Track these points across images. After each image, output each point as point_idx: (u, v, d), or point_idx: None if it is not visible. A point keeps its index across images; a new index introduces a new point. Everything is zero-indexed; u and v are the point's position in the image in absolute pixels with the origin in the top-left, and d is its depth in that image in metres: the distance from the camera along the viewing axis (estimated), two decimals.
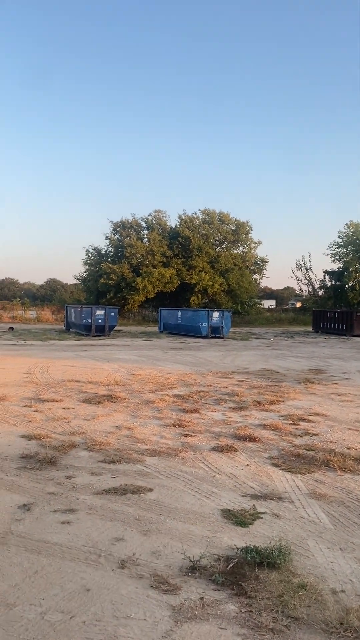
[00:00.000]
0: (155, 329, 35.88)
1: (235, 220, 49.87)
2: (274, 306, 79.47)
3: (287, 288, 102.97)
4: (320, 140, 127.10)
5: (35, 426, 7.48)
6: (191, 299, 45.36)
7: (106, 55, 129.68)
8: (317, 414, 8.64)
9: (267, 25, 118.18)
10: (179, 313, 32.31)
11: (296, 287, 58.79)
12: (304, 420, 8.18)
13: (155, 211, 49.20)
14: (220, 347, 22.79)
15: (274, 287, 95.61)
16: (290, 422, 8.05)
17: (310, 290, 57.59)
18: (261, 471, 5.67)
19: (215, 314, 29.52)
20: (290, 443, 6.81)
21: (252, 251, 50.81)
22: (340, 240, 53.75)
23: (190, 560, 3.60)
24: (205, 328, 29.02)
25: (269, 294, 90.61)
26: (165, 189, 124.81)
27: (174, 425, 7.64)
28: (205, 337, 28.77)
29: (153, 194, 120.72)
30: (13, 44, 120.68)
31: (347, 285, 52.02)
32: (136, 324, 43.08)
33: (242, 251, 50.62)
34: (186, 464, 5.80)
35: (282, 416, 8.49)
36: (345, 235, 53.54)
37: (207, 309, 31.06)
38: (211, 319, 29.19)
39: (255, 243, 50.77)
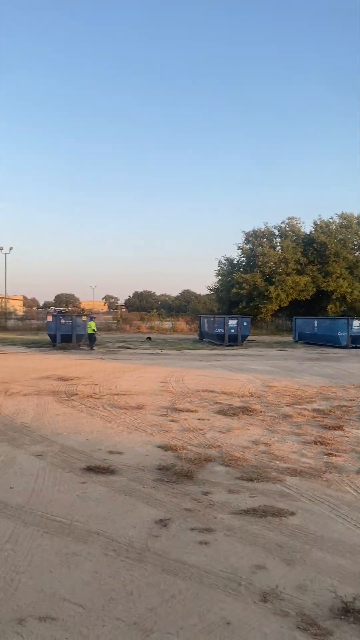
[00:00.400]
0: (289, 338, 34.89)
1: None
2: None
3: None
4: None
5: (171, 436, 7.45)
6: (328, 307, 43.49)
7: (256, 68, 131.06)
8: None
9: None
10: (316, 322, 31.06)
11: None
12: None
13: (289, 218, 48.20)
14: None
15: None
16: None
17: None
18: None
19: (356, 323, 27.84)
20: None
21: None
22: None
23: (343, 602, 3.17)
24: (345, 338, 27.50)
25: None
26: (299, 195, 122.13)
27: (315, 443, 7.12)
28: (345, 347, 27.25)
29: (286, 202, 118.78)
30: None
31: None
32: (269, 333, 42.32)
33: None
34: (331, 486, 5.30)
35: None
36: None
37: (346, 318, 29.43)
38: (351, 328, 27.60)
39: None
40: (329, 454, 6.53)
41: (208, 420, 8.70)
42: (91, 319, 26.73)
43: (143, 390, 11.80)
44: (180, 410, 9.47)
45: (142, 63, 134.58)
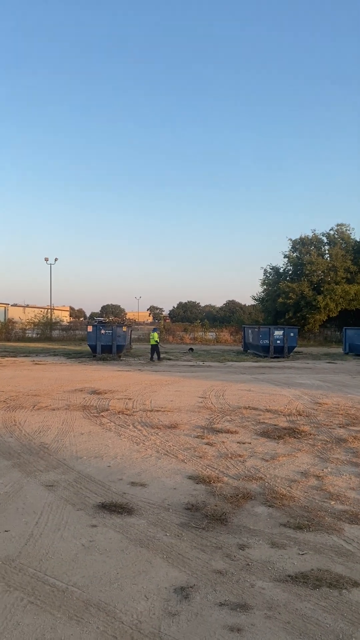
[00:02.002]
0: (339, 350, 33.11)
1: None
2: None
3: None
4: None
5: (206, 464, 6.44)
6: None
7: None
8: None
9: None
10: None
11: None
12: None
13: (337, 225, 46.24)
14: None
15: None
16: None
17: None
18: None
19: None
20: None
21: None
22: None
23: None
24: None
25: None
26: (348, 201, 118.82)
27: None
28: None
29: (335, 208, 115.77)
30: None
31: None
32: (317, 344, 40.53)
33: None
34: None
35: None
36: None
37: None
38: None
39: None
40: None
41: (249, 443, 7.63)
42: (155, 330, 25.97)
43: (179, 406, 10.83)
44: (218, 431, 8.43)
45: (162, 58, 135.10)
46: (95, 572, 3.60)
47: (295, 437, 8.05)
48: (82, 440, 7.66)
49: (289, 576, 3.54)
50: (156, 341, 24.31)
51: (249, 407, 10.91)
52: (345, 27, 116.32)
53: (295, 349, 28.75)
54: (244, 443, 7.66)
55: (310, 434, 8.29)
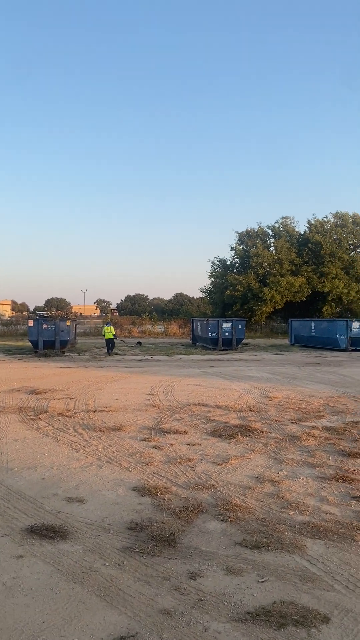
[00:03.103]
0: (285, 341, 33.40)
1: None
2: None
3: None
4: None
5: (152, 472, 5.86)
6: (324, 309, 42.04)
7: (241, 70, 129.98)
8: None
9: None
10: (313, 324, 29.54)
11: None
12: None
13: (283, 218, 46.70)
14: None
15: None
16: None
17: None
18: None
19: (356, 324, 26.34)
20: None
21: None
22: None
23: None
24: (344, 340, 26.00)
25: None
26: (292, 195, 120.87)
27: (336, 479, 5.55)
28: (344, 350, 25.75)
29: (280, 201, 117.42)
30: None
31: None
32: (264, 336, 40.81)
33: None
34: None
35: None
36: None
37: (345, 319, 27.94)
38: (351, 330, 26.09)
39: None
40: (358, 498, 4.95)
41: (199, 445, 7.11)
42: (108, 324, 25.99)
43: (125, 405, 10.20)
44: (166, 432, 7.87)
45: (136, 59, 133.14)
46: (14, 622, 2.95)
47: (247, 436, 7.60)
48: (14, 449, 6.91)
49: (248, 613, 3.01)
50: (114, 335, 24.05)
51: (198, 403, 10.42)
52: None
53: (243, 341, 28.65)
54: (193, 445, 7.13)
55: (263, 432, 7.88)
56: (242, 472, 5.87)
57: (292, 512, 4.60)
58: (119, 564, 3.66)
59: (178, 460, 6.31)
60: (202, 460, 6.37)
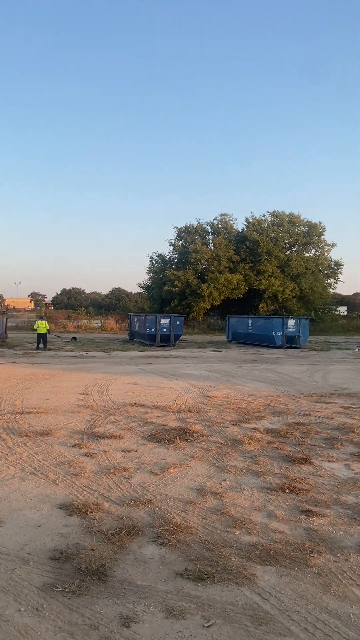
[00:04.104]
0: (223, 337, 33.41)
1: (307, 221, 46.54)
2: (346, 313, 74.79)
3: (358, 294, 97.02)
4: None
5: (83, 485, 5.24)
6: (260, 306, 42.53)
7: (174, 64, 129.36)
8: None
9: None
10: (250, 321, 29.66)
11: None
12: None
13: (221, 215, 46.82)
14: (302, 360, 19.98)
15: (344, 293, 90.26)
16: None
17: None
18: None
19: (291, 322, 26.64)
20: None
21: (326, 254, 47.21)
22: None
23: None
24: (280, 337, 26.24)
25: (340, 300, 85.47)
26: (231, 192, 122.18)
27: (283, 490, 5.16)
28: (280, 347, 25.98)
29: (218, 197, 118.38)
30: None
31: None
32: (202, 332, 40.76)
33: (314, 254, 47.15)
34: (329, 588, 3.30)
35: None
36: None
37: (281, 317, 28.25)
38: (286, 327, 26.37)
39: (329, 245, 47.16)
40: (308, 512, 4.57)
41: (136, 452, 6.55)
42: (41, 318, 25.17)
43: (56, 406, 9.46)
44: (100, 437, 7.25)
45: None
46: None
47: (186, 440, 7.12)
48: None
49: None
50: (47, 330, 23.37)
51: (135, 403, 9.85)
52: None
53: (181, 337, 28.34)
54: (129, 451, 6.56)
55: (203, 435, 7.42)
56: (182, 482, 5.37)
57: (238, 532, 4.13)
58: (37, 609, 3.04)
59: (112, 470, 5.72)
60: (138, 469, 5.82)
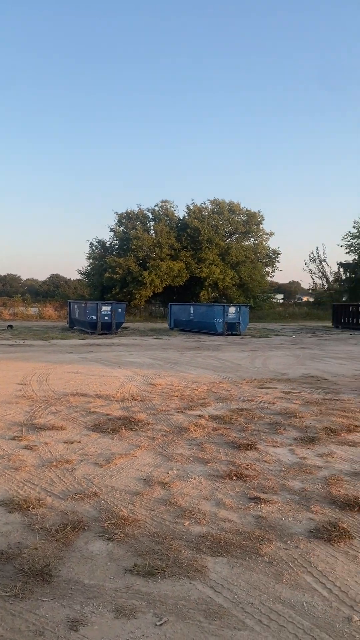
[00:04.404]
0: (164, 325, 33.40)
1: (246, 210, 47.17)
2: (282, 301, 76.89)
3: (293, 282, 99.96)
4: (332, 130, 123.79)
5: (23, 479, 4.99)
6: (201, 294, 42.82)
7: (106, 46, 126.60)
8: None
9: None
10: (192, 308, 29.76)
11: (307, 281, 56.61)
12: None
13: (162, 201, 46.59)
14: (242, 346, 20.26)
15: (281, 282, 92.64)
16: None
17: (325, 283, 55.15)
18: None
19: (232, 309, 26.97)
20: None
21: (264, 243, 48.14)
22: (356, 230, 51.23)
23: None
24: (221, 325, 26.50)
25: (277, 288, 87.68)
26: (172, 178, 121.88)
27: (230, 477, 5.12)
28: (221, 334, 26.25)
29: (159, 183, 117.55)
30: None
31: None
32: (143, 320, 40.59)
33: (253, 243, 47.93)
34: (281, 577, 3.27)
35: None
36: None
37: (222, 304, 28.57)
38: (227, 315, 26.65)
39: (267, 234, 48.10)
40: (256, 499, 4.55)
41: (79, 443, 6.34)
42: None
43: None
44: (40, 428, 6.97)
45: None
46: None
47: (131, 429, 6.98)
48: None
49: None
50: None
51: (77, 393, 9.58)
52: None
53: (123, 325, 28.05)
54: (72, 442, 6.34)
55: (148, 424, 7.30)
56: (128, 473, 5.22)
57: (187, 523, 4.05)
58: None
59: (54, 463, 5.49)
60: (82, 461, 5.62)
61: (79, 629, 2.72)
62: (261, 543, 3.68)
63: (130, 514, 4.18)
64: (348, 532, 3.85)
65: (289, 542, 3.70)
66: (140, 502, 4.45)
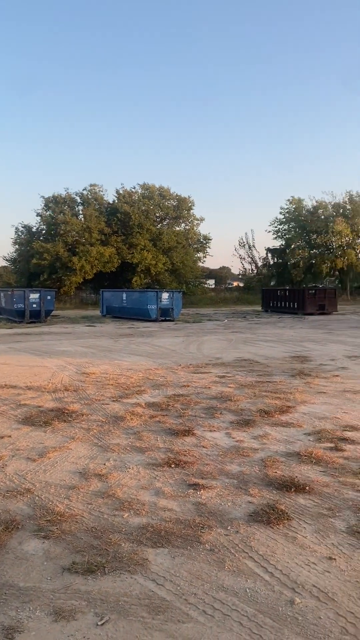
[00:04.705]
0: (96, 312, 32.87)
1: (177, 195, 47.11)
2: (214, 286, 77.99)
3: (223, 268, 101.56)
4: (260, 115, 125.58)
5: None
6: (133, 280, 42.45)
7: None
8: (353, 428, 6.34)
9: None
10: (124, 295, 29.44)
11: (237, 266, 57.69)
12: (343, 440, 5.84)
13: (91, 185, 45.51)
14: (176, 332, 20.31)
15: (212, 267, 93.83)
16: (329, 445, 5.69)
17: (254, 268, 56.39)
18: None
19: (165, 295, 26.93)
20: (357, 490, 4.41)
21: (195, 228, 48.37)
22: (282, 216, 52.64)
23: None
24: (155, 311, 26.40)
25: (208, 273, 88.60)
26: (100, 161, 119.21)
27: (168, 464, 5.07)
28: (155, 320, 26.17)
29: (87, 167, 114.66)
30: None
31: (289, 263, 51.02)
32: (74, 307, 39.74)
33: (184, 228, 48.04)
34: (223, 564, 3.25)
35: (308, 434, 6.12)
36: (287, 212, 52.45)
37: (155, 290, 28.45)
38: (160, 301, 26.58)
39: (198, 220, 48.33)
40: (195, 486, 4.52)
41: (9, 437, 6.06)
42: None
43: None
44: None
45: None
46: None
47: (65, 421, 6.77)
48: None
49: None
50: None
51: (5, 385, 9.19)
52: None
53: (53, 313, 27.32)
54: (2, 437, 6.06)
55: (82, 414, 7.11)
56: (63, 467, 5.05)
57: (126, 514, 3.95)
58: None
59: None
60: (13, 456, 5.37)
61: (14, 636, 2.57)
62: (202, 530, 3.65)
63: (67, 510, 4.03)
64: (286, 513, 3.90)
65: (229, 528, 3.70)
66: (77, 497, 4.30)
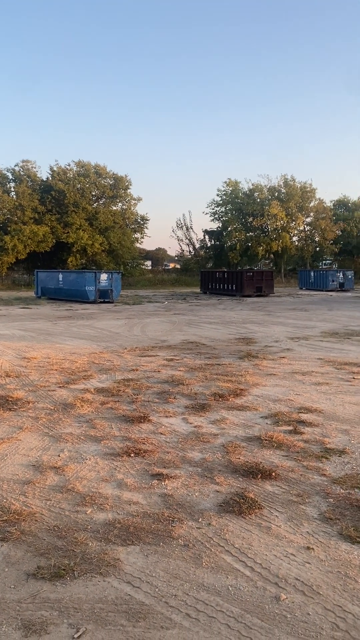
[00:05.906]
0: (31, 294, 31.78)
1: (113, 174, 46.07)
2: (151, 267, 77.56)
3: (160, 249, 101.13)
4: (202, 98, 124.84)
5: None
6: (69, 260, 41.33)
7: None
8: (308, 409, 6.37)
9: None
10: (61, 275, 28.57)
11: (174, 248, 57.59)
12: (301, 423, 5.84)
13: (23, 161, 43.59)
14: (117, 314, 19.92)
15: (148, 248, 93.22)
16: (287, 428, 5.66)
17: (192, 250, 56.48)
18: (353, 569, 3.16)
19: (104, 276, 26.38)
20: (322, 474, 4.39)
21: (132, 208, 47.60)
22: (219, 198, 52.91)
23: None
24: (93, 292, 25.82)
25: (144, 255, 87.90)
26: (34, 137, 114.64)
27: (127, 454, 4.84)
28: (94, 302, 25.62)
29: (19, 142, 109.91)
30: None
31: (226, 245, 51.50)
32: (6, 288, 38.25)
33: (121, 208, 47.17)
34: (200, 560, 3.09)
35: (265, 417, 6.08)
36: (224, 194, 52.78)
37: (94, 271, 27.82)
38: (99, 282, 26.03)
39: (135, 200, 47.57)
40: (158, 476, 4.33)
41: None
42: None
43: None
44: None
45: None
46: None
47: (10, 409, 6.37)
48: None
49: None
50: None
51: None
52: None
53: None
54: None
55: (29, 402, 6.73)
56: (14, 460, 4.71)
57: (89, 510, 3.70)
58: None
59: None
60: None
61: None
62: (172, 524, 3.47)
63: (24, 507, 3.73)
64: (256, 501, 3.80)
65: (200, 520, 3.55)
66: (33, 492, 4.00)
